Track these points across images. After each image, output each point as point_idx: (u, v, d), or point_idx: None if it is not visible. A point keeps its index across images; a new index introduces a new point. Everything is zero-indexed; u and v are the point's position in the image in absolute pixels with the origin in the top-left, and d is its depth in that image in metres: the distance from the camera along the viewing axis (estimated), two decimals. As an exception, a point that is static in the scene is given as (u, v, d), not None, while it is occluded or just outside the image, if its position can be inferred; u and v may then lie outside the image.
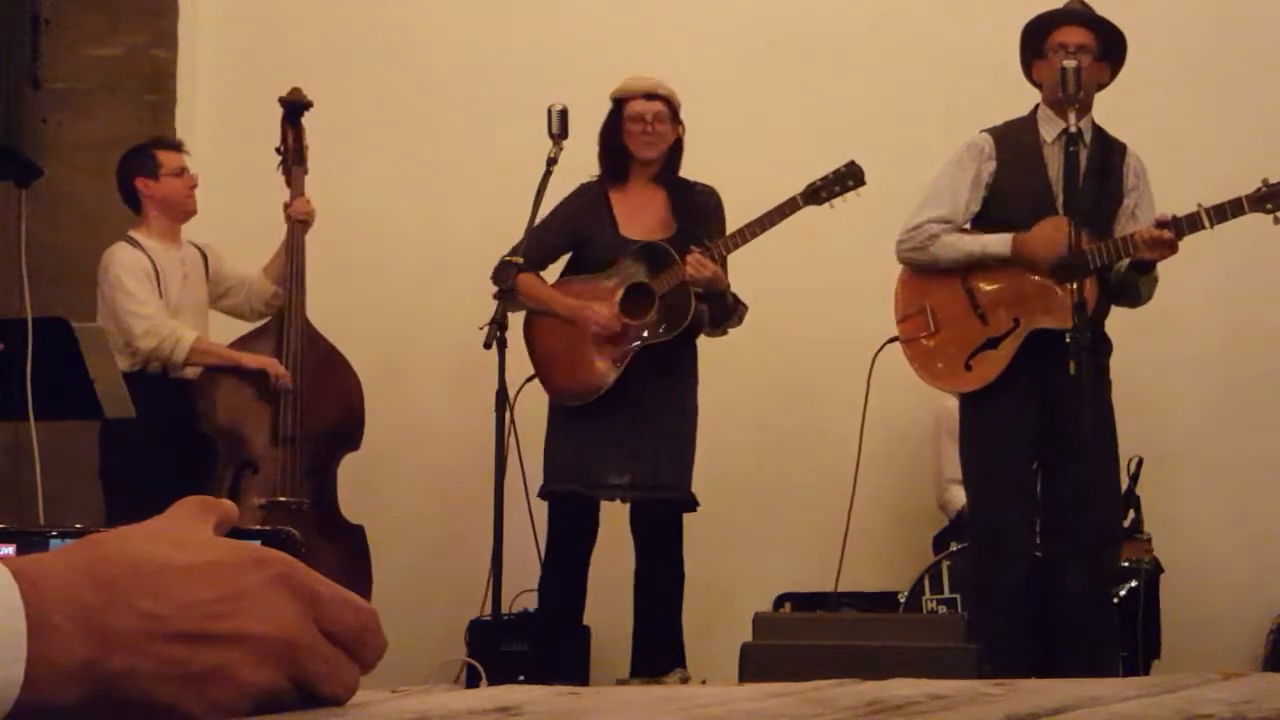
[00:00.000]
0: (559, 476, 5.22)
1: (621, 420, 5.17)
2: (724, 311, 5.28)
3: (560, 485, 5.21)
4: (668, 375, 5.23)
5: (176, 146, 5.59)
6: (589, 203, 5.27)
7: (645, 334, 5.20)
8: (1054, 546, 4.81)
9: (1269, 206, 4.61)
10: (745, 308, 5.34)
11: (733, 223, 5.26)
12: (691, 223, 5.24)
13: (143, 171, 5.49)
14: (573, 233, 5.25)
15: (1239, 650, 5.88)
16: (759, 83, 6.39)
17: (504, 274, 5.02)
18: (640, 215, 5.30)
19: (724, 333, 5.38)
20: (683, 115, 5.36)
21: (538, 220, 5.11)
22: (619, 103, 5.27)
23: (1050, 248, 4.71)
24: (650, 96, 5.26)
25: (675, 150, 5.33)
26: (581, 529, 5.27)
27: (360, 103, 6.46)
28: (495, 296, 5.24)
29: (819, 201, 5.20)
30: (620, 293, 5.23)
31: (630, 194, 5.32)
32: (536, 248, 5.14)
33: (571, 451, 5.21)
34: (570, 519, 5.25)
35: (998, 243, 4.83)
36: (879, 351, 5.32)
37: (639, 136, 5.25)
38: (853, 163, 5.23)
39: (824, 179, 5.20)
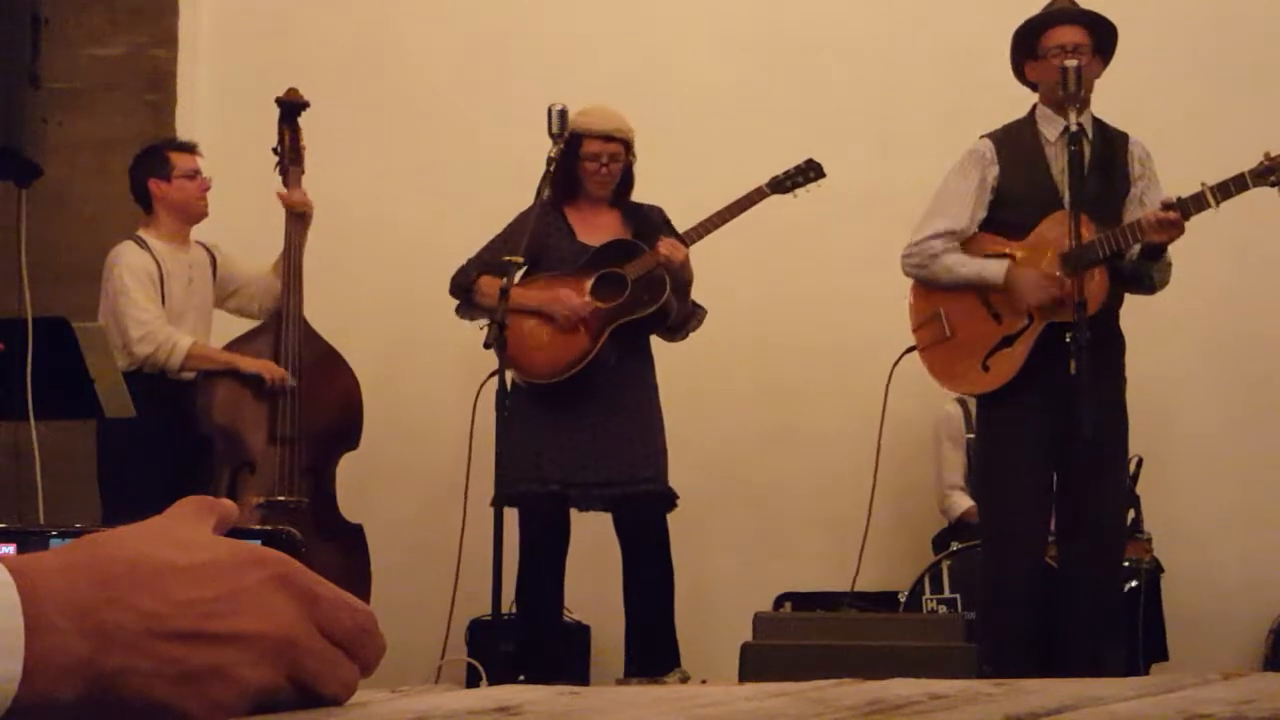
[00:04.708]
0: (531, 479, 5.19)
1: (588, 423, 5.18)
2: (685, 314, 5.32)
3: (535, 488, 5.19)
4: (628, 377, 5.26)
5: (190, 149, 5.59)
6: (544, 215, 5.26)
7: (626, 312, 5.21)
8: (1067, 546, 4.80)
9: (1272, 180, 4.60)
10: (704, 311, 5.40)
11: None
12: (646, 234, 5.31)
13: (155, 172, 5.48)
14: (531, 243, 5.23)
15: (1239, 650, 5.88)
16: (758, 84, 6.39)
17: (505, 273, 5.01)
18: (595, 228, 5.36)
19: (684, 336, 5.41)
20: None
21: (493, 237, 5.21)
22: (576, 137, 5.22)
23: (1043, 289, 4.71)
24: (608, 138, 5.29)
25: (625, 177, 5.37)
26: (556, 531, 5.26)
27: (361, 102, 6.46)
28: (458, 308, 5.26)
29: (784, 190, 5.37)
30: (591, 282, 5.26)
31: (583, 210, 5.39)
32: (495, 260, 5.12)
33: (542, 453, 5.19)
34: (545, 521, 5.24)
35: (994, 272, 4.82)
36: (897, 362, 5.32)
37: (593, 175, 5.32)
38: (811, 159, 5.43)
39: (787, 172, 5.39)
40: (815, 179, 5.41)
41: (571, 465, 5.18)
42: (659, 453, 5.25)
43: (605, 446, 5.17)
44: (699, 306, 5.39)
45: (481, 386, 5.36)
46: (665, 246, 5.17)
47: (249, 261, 5.70)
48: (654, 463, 5.22)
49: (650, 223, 5.36)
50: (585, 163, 5.29)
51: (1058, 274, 4.72)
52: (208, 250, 5.62)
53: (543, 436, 5.20)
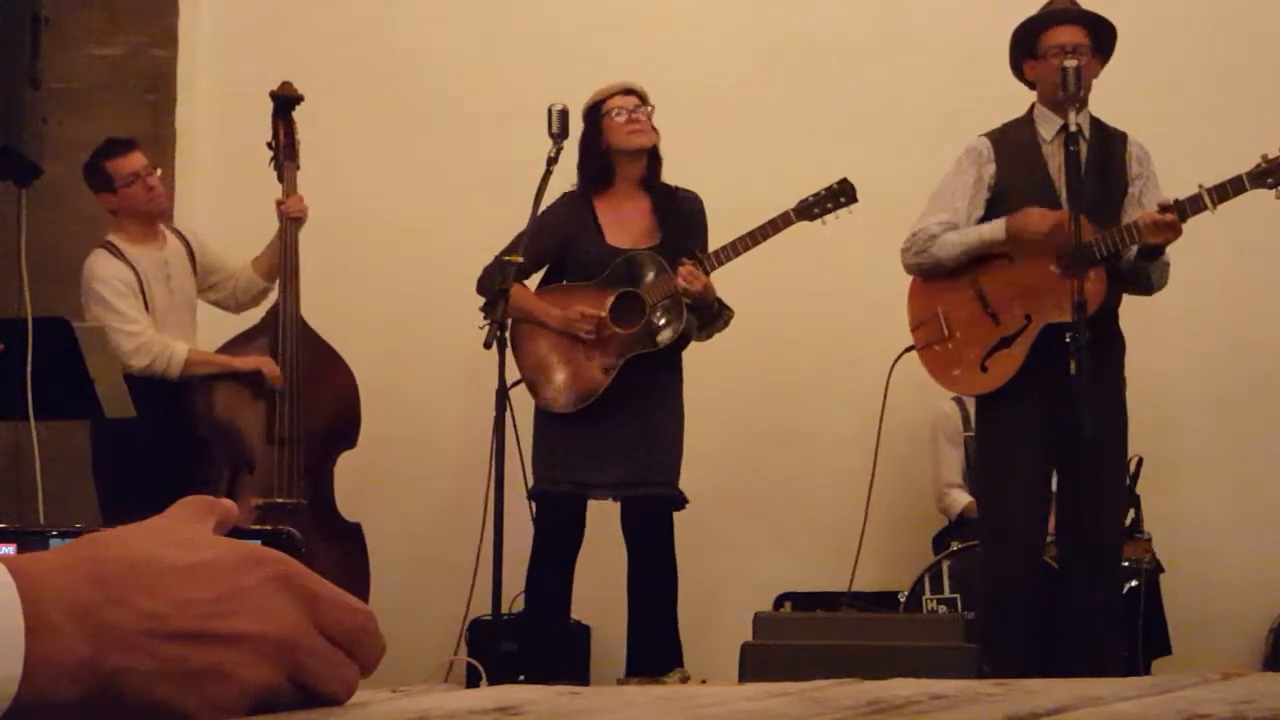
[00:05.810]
0: (549, 477, 5.21)
1: (610, 421, 5.17)
2: (709, 318, 5.30)
3: (551, 485, 5.20)
4: (654, 375, 5.23)
5: (125, 149, 5.44)
6: (573, 212, 5.25)
7: (638, 346, 5.20)
8: (1067, 545, 4.81)
9: (1269, 181, 4.60)
10: (731, 312, 5.34)
11: (727, 224, 5.25)
12: (676, 229, 5.25)
13: (100, 188, 5.41)
14: (559, 242, 5.22)
15: (1239, 650, 5.88)
16: (759, 84, 6.39)
17: (504, 273, 5.00)
18: (625, 223, 5.29)
19: (708, 337, 5.38)
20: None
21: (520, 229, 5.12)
22: (595, 110, 5.25)
23: (1043, 218, 4.71)
24: (627, 91, 5.27)
25: (654, 156, 5.32)
26: (570, 529, 5.26)
27: (361, 102, 6.46)
28: (484, 306, 5.22)
29: (811, 217, 5.21)
30: (611, 300, 5.23)
31: (614, 201, 5.31)
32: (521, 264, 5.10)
33: (561, 452, 5.20)
34: (559, 519, 5.24)
35: (992, 229, 4.83)
36: (896, 361, 5.31)
37: (624, 127, 5.23)
38: (845, 180, 5.24)
39: (816, 195, 5.21)
40: (846, 204, 5.20)
41: (583, 465, 5.17)
42: (674, 456, 5.24)
43: (621, 447, 5.17)
44: (725, 307, 5.33)
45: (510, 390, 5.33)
46: (684, 276, 5.11)
47: (232, 256, 5.65)
48: (667, 465, 5.22)
49: (681, 213, 5.30)
50: (612, 120, 5.21)
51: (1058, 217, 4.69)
52: (183, 238, 5.57)
53: (560, 438, 5.20)
